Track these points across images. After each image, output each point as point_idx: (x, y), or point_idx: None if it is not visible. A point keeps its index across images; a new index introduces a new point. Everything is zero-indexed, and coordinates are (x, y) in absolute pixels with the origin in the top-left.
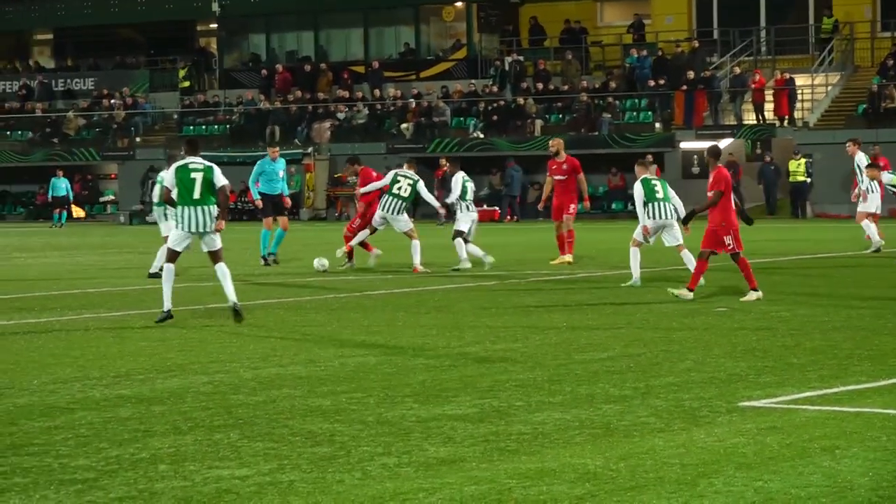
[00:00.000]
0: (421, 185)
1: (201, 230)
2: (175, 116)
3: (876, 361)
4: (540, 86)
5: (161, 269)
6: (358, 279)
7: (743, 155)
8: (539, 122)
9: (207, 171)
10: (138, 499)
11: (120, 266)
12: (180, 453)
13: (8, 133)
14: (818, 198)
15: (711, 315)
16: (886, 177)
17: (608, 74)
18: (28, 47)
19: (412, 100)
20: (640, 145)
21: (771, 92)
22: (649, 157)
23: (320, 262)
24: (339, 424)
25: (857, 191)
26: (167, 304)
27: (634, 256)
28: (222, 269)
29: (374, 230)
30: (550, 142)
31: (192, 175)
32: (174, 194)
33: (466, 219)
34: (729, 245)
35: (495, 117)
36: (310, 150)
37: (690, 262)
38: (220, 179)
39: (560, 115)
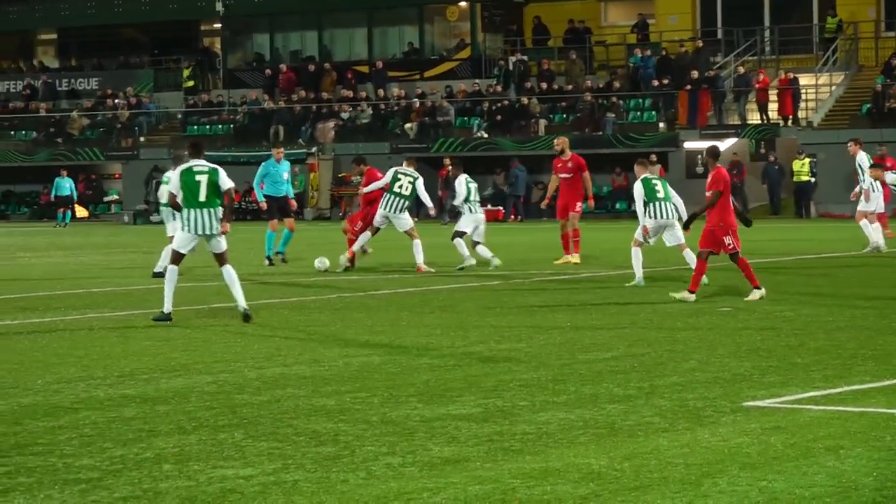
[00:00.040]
0: (420, 183)
1: (207, 232)
2: (179, 116)
3: (880, 361)
4: (544, 85)
5: (165, 269)
6: (362, 279)
7: (747, 155)
8: (543, 122)
9: (212, 174)
10: (143, 498)
11: (124, 266)
12: (185, 453)
13: (12, 133)
14: (822, 198)
15: (715, 315)
16: (890, 177)
17: (612, 74)
18: (32, 47)
19: (416, 99)
20: (644, 145)
21: (775, 92)
22: (653, 157)
23: (321, 262)
24: (344, 424)
25: (857, 189)
26: (168, 307)
27: (636, 257)
28: (229, 273)
29: (375, 231)
30: (555, 140)
31: (197, 177)
32: (179, 198)
33: (469, 220)
34: (729, 245)
35: (499, 117)
36: (314, 149)
37: (693, 261)
38: (226, 182)
39: (564, 115)
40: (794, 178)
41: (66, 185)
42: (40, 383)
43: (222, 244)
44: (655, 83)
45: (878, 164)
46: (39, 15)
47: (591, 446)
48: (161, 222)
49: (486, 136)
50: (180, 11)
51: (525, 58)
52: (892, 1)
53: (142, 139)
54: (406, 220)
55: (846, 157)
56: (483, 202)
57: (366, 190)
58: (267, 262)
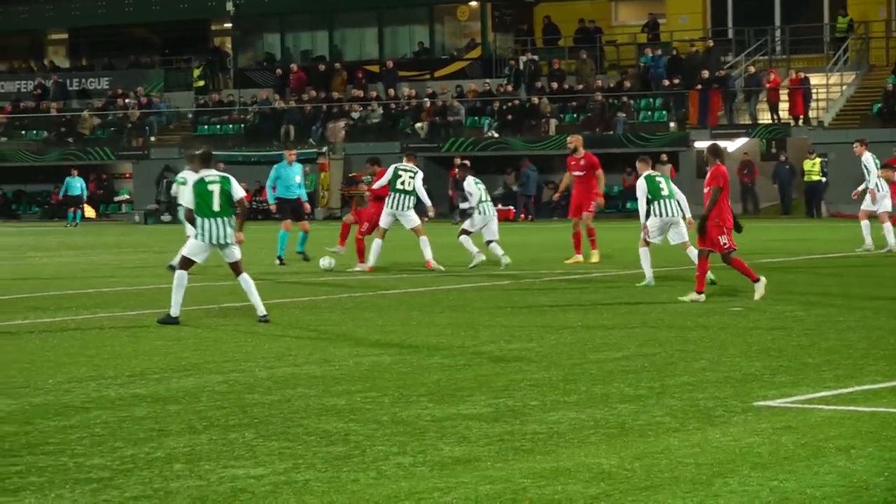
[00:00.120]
0: (419, 179)
1: (222, 242)
2: (190, 116)
3: (891, 361)
4: (554, 85)
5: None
6: (372, 278)
7: (758, 154)
8: (553, 122)
9: (224, 182)
10: (153, 498)
11: (135, 265)
12: (195, 452)
13: (23, 132)
14: (833, 197)
15: (726, 315)
16: None
17: (623, 74)
18: (43, 47)
19: (427, 99)
20: (655, 145)
21: (786, 91)
22: (663, 157)
23: (327, 262)
24: (354, 424)
25: (859, 189)
26: (176, 311)
27: (644, 256)
28: (246, 281)
29: (384, 233)
30: (569, 138)
31: (210, 187)
32: (193, 209)
33: (478, 220)
34: (724, 244)
35: (510, 117)
36: (324, 149)
37: (696, 258)
38: (238, 192)
39: (575, 115)
40: (805, 178)
41: (76, 185)
42: (51, 383)
43: (236, 253)
44: (666, 83)
45: (889, 165)
46: (50, 15)
47: (602, 446)
48: (171, 222)
49: (496, 135)
50: (191, 11)
51: (535, 57)
52: None
53: (152, 139)
54: (412, 217)
55: (857, 157)
56: (494, 202)
57: (375, 186)
58: (278, 261)
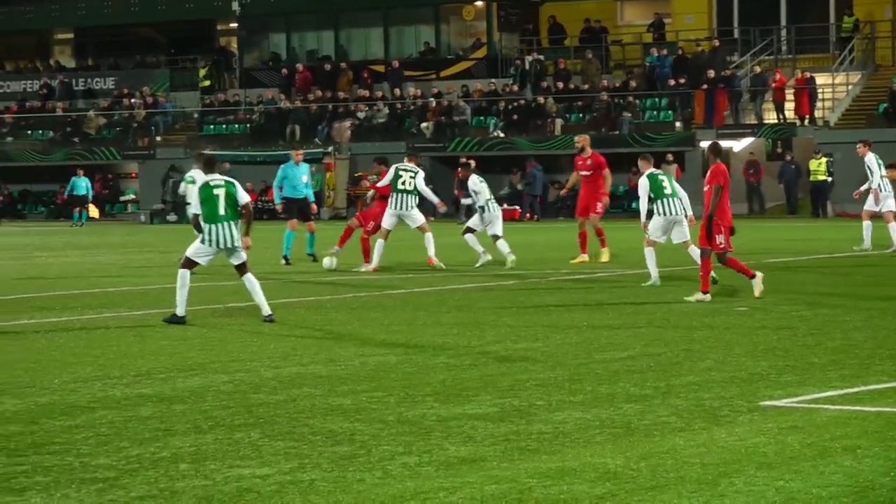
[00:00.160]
0: (420, 178)
1: (228, 245)
2: (195, 116)
3: None
4: (560, 85)
5: None
6: (378, 278)
7: (763, 154)
8: (559, 122)
9: (229, 186)
10: (159, 497)
11: (141, 265)
12: (201, 452)
13: (29, 132)
14: (839, 197)
15: (732, 314)
16: None
17: (628, 73)
18: (49, 47)
19: (432, 99)
20: (661, 144)
21: (791, 91)
22: (669, 157)
23: (329, 262)
24: (360, 423)
25: (862, 189)
26: (181, 310)
27: (650, 256)
28: (250, 281)
29: (387, 234)
30: (576, 138)
31: (216, 191)
32: (201, 214)
33: (488, 218)
34: (720, 244)
35: (515, 116)
36: (330, 149)
37: (698, 257)
38: (243, 197)
39: (580, 115)
40: (811, 178)
41: (82, 185)
42: (57, 382)
43: (242, 255)
44: (672, 83)
45: (894, 165)
46: (56, 15)
47: (608, 446)
48: (177, 221)
49: (502, 135)
50: (196, 11)
51: (541, 57)
52: None
53: (158, 139)
54: (417, 217)
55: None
56: (500, 201)
57: (380, 185)
58: (284, 261)
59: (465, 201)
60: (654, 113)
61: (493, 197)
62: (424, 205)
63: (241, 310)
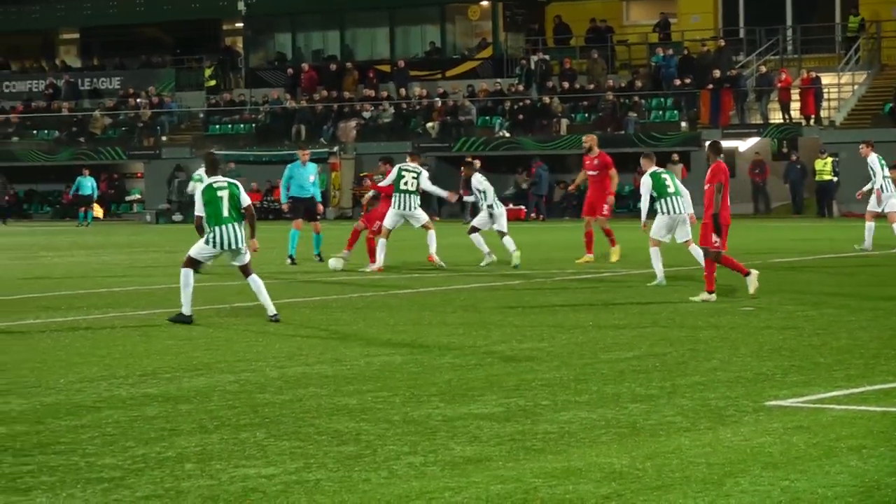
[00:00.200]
0: (423, 177)
1: (233, 247)
2: (201, 115)
3: None
4: (566, 85)
5: None
6: (383, 278)
7: (769, 154)
8: (565, 122)
9: (232, 188)
10: (165, 497)
11: (146, 265)
12: (206, 452)
13: (34, 132)
14: (844, 197)
15: (737, 314)
16: None
17: (634, 73)
18: (54, 47)
19: (438, 99)
20: (666, 144)
21: (797, 91)
22: (675, 157)
23: (335, 262)
24: (366, 423)
25: (864, 189)
26: (187, 309)
27: (655, 256)
28: (255, 282)
29: (388, 233)
30: (584, 137)
31: (219, 193)
32: (204, 216)
33: (486, 217)
34: (716, 243)
35: (521, 116)
36: (336, 149)
37: (699, 256)
38: (246, 199)
39: (586, 115)
40: (817, 178)
41: (88, 185)
42: (63, 382)
43: (246, 257)
44: (677, 82)
45: None
46: (61, 14)
47: (614, 446)
48: (183, 221)
49: (507, 135)
50: (202, 11)
51: (547, 57)
52: None
53: (164, 138)
54: (420, 216)
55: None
56: (505, 201)
57: (382, 184)
58: (289, 260)
59: (469, 199)
60: (660, 113)
61: (496, 197)
62: (431, 205)
63: (247, 309)
